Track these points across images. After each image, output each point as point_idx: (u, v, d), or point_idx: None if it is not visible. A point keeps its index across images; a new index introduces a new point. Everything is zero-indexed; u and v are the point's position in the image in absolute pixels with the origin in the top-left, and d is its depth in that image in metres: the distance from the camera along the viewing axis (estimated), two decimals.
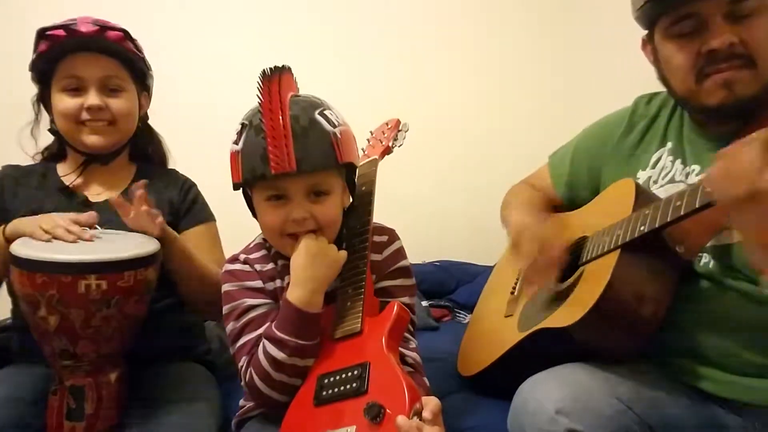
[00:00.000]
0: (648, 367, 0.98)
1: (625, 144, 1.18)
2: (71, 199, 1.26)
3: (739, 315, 0.93)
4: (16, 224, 1.10)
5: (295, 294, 0.99)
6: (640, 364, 0.98)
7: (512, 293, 1.26)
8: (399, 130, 1.35)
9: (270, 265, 1.09)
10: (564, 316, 0.98)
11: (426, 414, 0.83)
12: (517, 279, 1.27)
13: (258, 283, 1.07)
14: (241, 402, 1.11)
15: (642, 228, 0.93)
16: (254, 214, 1.09)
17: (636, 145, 1.16)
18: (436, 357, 1.33)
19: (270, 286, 1.07)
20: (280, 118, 0.97)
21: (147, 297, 1.08)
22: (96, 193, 1.29)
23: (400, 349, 1.04)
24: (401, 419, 0.81)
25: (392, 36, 2.39)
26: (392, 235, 1.15)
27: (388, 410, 0.85)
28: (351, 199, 1.14)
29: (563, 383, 0.90)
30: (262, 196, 1.03)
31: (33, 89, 1.30)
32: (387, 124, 1.38)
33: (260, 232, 1.12)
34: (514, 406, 0.93)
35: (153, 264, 1.07)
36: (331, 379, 0.95)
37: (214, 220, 1.38)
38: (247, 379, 1.01)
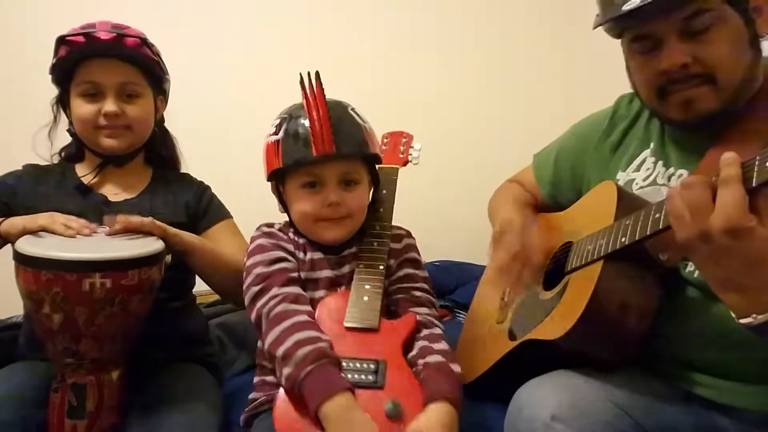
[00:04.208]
0: (643, 373, 0.99)
1: (605, 144, 1.17)
2: (91, 198, 1.27)
3: (728, 322, 0.89)
4: (12, 221, 1.11)
5: None
6: (635, 369, 0.98)
7: (502, 299, 1.25)
8: (412, 147, 1.40)
9: (302, 240, 1.16)
10: (551, 329, 0.99)
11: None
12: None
13: (291, 247, 1.15)
14: (251, 396, 1.12)
15: (623, 240, 0.93)
16: (283, 206, 1.18)
17: (616, 145, 1.16)
18: None
19: (299, 255, 1.15)
20: (320, 109, 1.07)
21: (151, 296, 1.08)
22: (114, 194, 1.30)
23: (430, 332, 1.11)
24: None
25: (391, 36, 2.38)
26: (408, 233, 1.25)
27: (405, 411, 0.95)
28: (371, 196, 1.22)
29: (559, 389, 0.91)
30: (297, 183, 1.11)
31: (50, 93, 1.31)
32: (404, 136, 1.42)
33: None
34: (510, 413, 0.93)
35: (157, 263, 1.07)
36: (344, 365, 1.00)
37: (231, 217, 1.40)
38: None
